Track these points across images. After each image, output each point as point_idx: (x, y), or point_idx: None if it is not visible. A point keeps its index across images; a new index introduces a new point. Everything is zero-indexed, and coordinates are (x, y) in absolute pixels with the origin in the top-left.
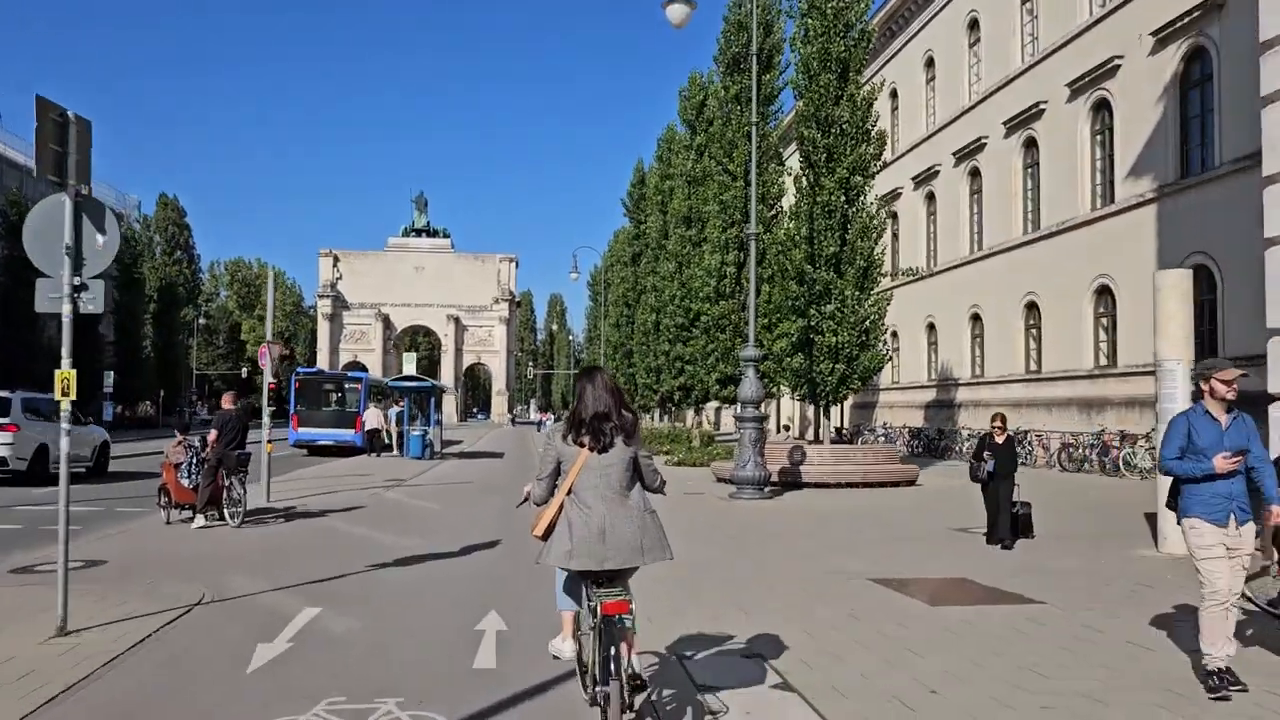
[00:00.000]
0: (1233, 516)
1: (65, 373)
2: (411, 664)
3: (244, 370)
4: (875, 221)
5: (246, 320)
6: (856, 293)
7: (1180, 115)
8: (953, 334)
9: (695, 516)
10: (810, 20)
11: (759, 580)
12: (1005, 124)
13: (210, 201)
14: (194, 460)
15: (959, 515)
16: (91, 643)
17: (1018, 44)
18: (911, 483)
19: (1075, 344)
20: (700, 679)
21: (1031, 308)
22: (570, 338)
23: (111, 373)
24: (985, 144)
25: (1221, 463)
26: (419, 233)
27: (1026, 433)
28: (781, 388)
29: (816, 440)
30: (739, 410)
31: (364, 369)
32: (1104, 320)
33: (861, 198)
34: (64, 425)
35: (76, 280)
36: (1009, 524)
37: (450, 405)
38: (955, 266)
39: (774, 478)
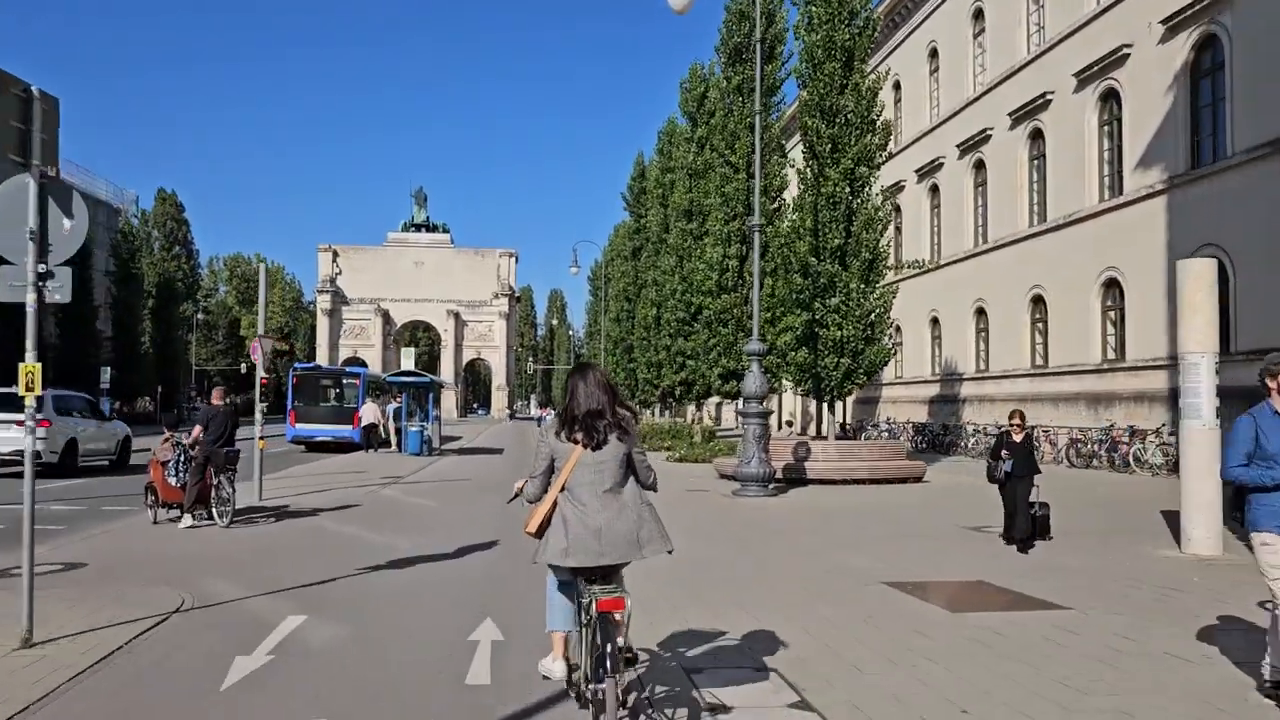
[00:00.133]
0: None
1: (29, 366)
2: (399, 680)
3: (243, 366)
4: (880, 213)
5: (246, 316)
6: (862, 286)
7: (1191, 104)
8: (957, 328)
9: (698, 514)
10: (814, 7)
11: (766, 583)
12: (1011, 115)
13: (209, 197)
14: (181, 458)
15: (969, 513)
16: (57, 655)
17: (1023, 34)
18: (918, 479)
19: (1082, 338)
20: (710, 698)
21: (1037, 301)
22: (570, 333)
23: (109, 368)
24: (990, 136)
25: None
26: (418, 228)
27: (1034, 428)
28: (785, 382)
29: (819, 436)
30: (743, 406)
31: (363, 364)
32: (1112, 314)
33: (866, 189)
34: (29, 421)
35: (42, 268)
36: (1027, 525)
37: (450, 401)
38: (959, 260)
39: (778, 474)
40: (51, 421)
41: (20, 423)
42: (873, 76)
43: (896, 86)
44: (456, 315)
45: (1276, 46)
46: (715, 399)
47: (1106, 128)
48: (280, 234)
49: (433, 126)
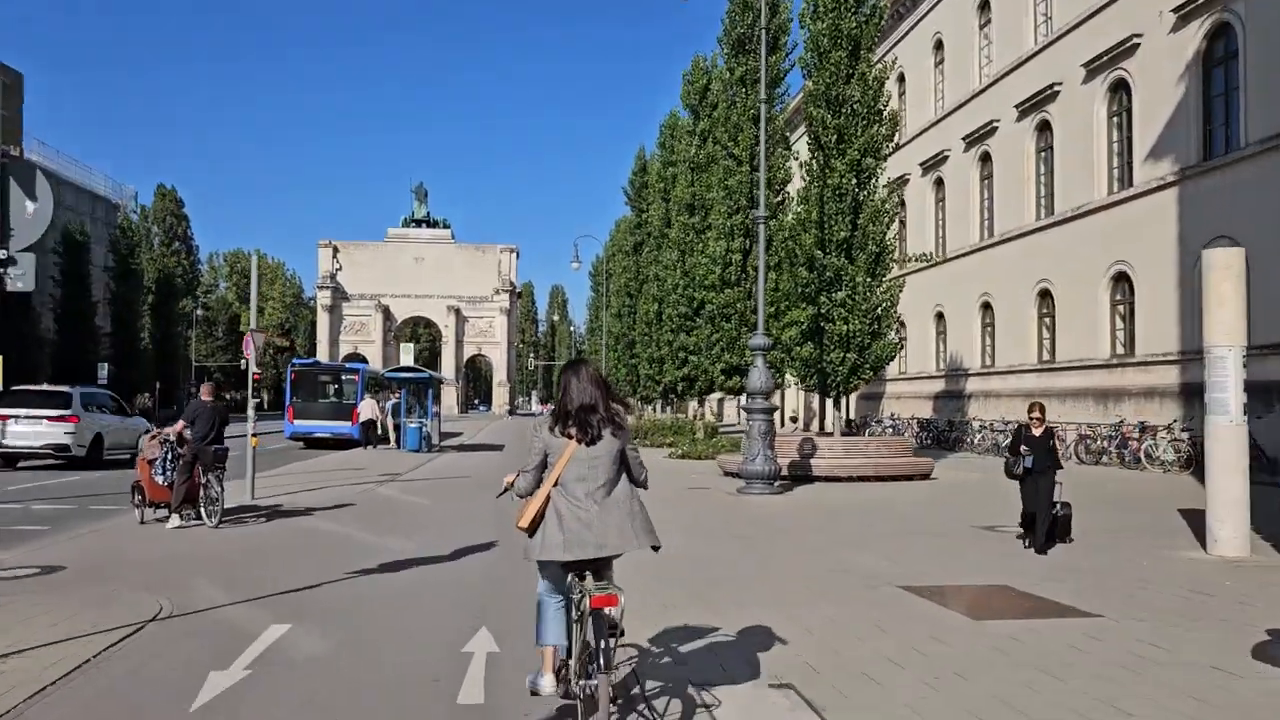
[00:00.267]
0: None
1: None
2: (385, 700)
3: (243, 362)
4: (887, 205)
5: (246, 312)
6: (868, 279)
7: (1203, 94)
8: (962, 323)
9: (703, 513)
10: None
11: (775, 587)
12: (1018, 107)
13: (210, 194)
14: (169, 456)
15: (980, 511)
16: (20, 670)
17: (1030, 24)
18: (926, 476)
19: (1091, 332)
20: (721, 715)
21: (1045, 295)
22: (571, 329)
23: (107, 364)
24: (996, 128)
25: None
26: (419, 223)
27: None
28: (789, 378)
29: (822, 432)
30: (747, 402)
31: (364, 360)
32: (1121, 308)
33: (873, 180)
34: None
35: (2, 254)
36: (1047, 527)
37: (451, 397)
38: (965, 254)
39: (783, 471)
40: (80, 417)
41: (51, 419)
42: (879, 66)
43: (901, 79)
44: (457, 311)
45: None
46: (717, 395)
47: (1116, 119)
48: (281, 230)
49: (433, 122)
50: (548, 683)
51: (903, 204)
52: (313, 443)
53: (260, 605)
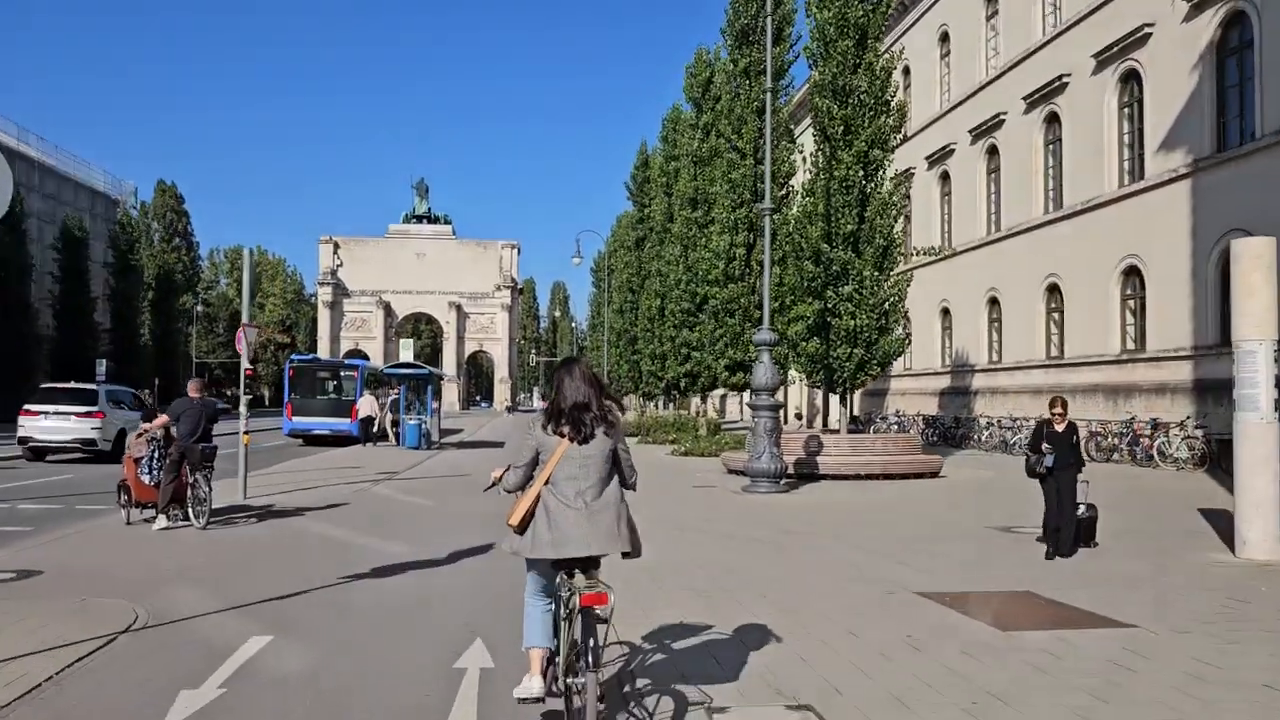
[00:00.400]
0: None
1: None
2: None
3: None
4: (895, 197)
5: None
6: (875, 273)
7: (1217, 84)
8: (968, 319)
9: (708, 513)
10: None
11: (788, 595)
12: (1025, 99)
13: (211, 191)
14: (155, 454)
15: (994, 511)
16: None
17: (1039, 14)
18: (935, 475)
19: (1101, 328)
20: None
21: (1053, 290)
22: (573, 325)
23: (105, 360)
24: (1004, 120)
25: None
26: (420, 219)
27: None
28: (793, 374)
29: (826, 429)
30: (753, 398)
31: (365, 357)
32: (1131, 303)
33: (880, 172)
34: None
35: None
36: (1071, 528)
37: (452, 393)
38: (971, 249)
39: (789, 469)
40: (105, 413)
41: (78, 415)
42: (886, 56)
43: (906, 72)
44: (458, 307)
45: None
46: (720, 391)
47: (1126, 110)
48: (282, 227)
49: (435, 118)
50: (535, 685)
51: (908, 198)
52: (311, 440)
53: (242, 614)
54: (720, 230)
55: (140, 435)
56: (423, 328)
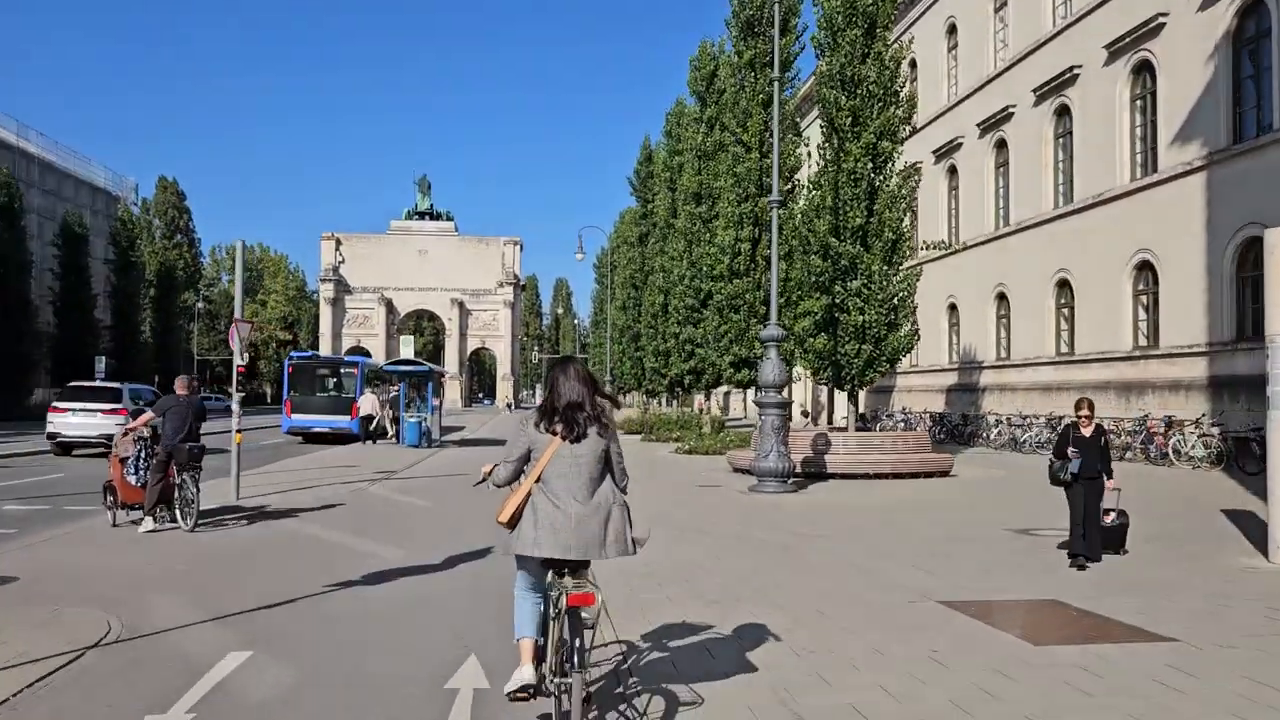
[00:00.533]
0: None
1: None
2: None
3: (245, 356)
4: (904, 190)
5: (249, 305)
6: (884, 268)
7: (1233, 75)
8: (976, 314)
9: (714, 514)
10: None
11: (804, 603)
12: (1035, 91)
13: (212, 187)
14: (142, 454)
15: (1010, 512)
16: None
17: (1049, 5)
18: (945, 474)
19: (1112, 323)
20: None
21: (1063, 285)
22: (576, 322)
23: (104, 357)
24: (1013, 113)
25: None
26: (422, 215)
27: (1062, 418)
28: (799, 370)
29: (831, 426)
30: (760, 395)
31: (367, 354)
32: (1144, 298)
33: (889, 165)
34: None
35: None
36: (1098, 537)
37: (455, 390)
38: (979, 244)
39: (796, 468)
40: (129, 410)
41: (104, 412)
42: (895, 45)
43: (913, 65)
44: (461, 304)
45: None
46: (724, 388)
47: (1139, 102)
48: (284, 223)
49: (436, 114)
50: (526, 673)
51: (916, 191)
52: (311, 437)
53: (222, 626)
54: (725, 225)
55: (127, 434)
56: (425, 325)
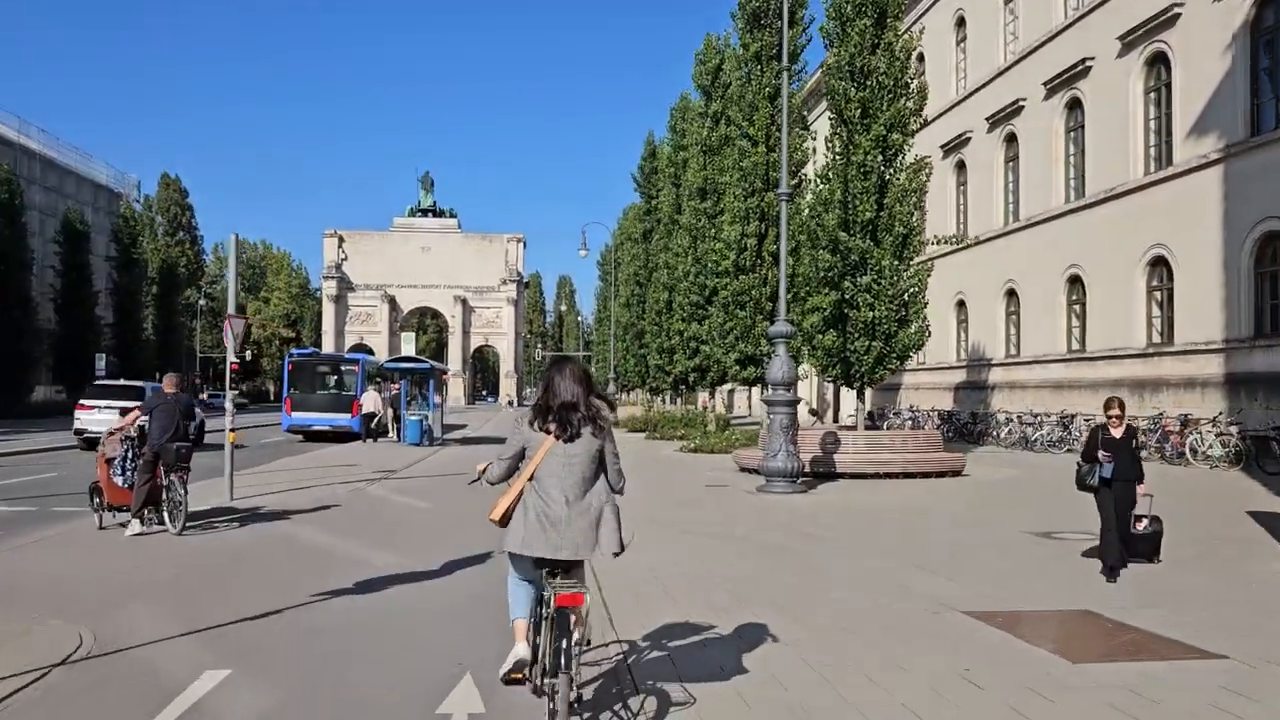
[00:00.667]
0: None
1: None
2: None
3: (248, 354)
4: (915, 184)
5: (252, 303)
6: (895, 263)
7: (1251, 66)
8: (985, 311)
9: (723, 515)
10: None
11: (821, 614)
12: (1046, 84)
13: (215, 184)
14: (129, 454)
15: (1028, 514)
16: None
17: None
18: (957, 473)
19: (1125, 320)
20: None
21: (1074, 282)
22: (580, 319)
23: (104, 355)
24: (1023, 107)
25: None
26: (425, 213)
27: (1074, 416)
28: (804, 367)
29: (838, 424)
30: (768, 393)
31: (370, 351)
32: (1158, 294)
33: (900, 157)
34: None
35: None
36: (1124, 546)
37: (458, 388)
38: (988, 239)
39: (805, 468)
40: None
41: (124, 410)
42: (906, 35)
43: (920, 58)
44: (464, 301)
45: None
46: (728, 385)
47: (1153, 94)
48: (287, 221)
49: (440, 111)
50: (520, 650)
51: (927, 184)
52: (311, 436)
53: (201, 640)
54: (731, 220)
55: (114, 433)
56: (428, 322)
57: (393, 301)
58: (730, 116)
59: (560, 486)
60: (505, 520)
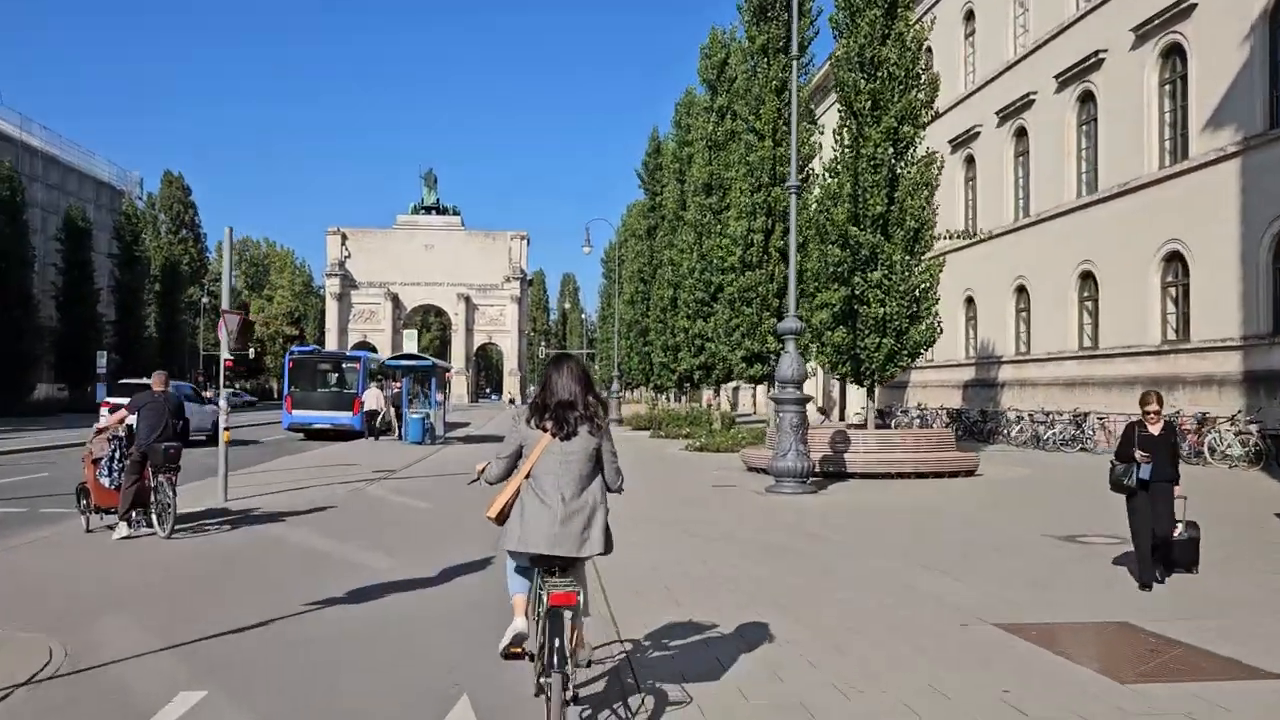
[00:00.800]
0: None
1: None
2: None
3: (251, 351)
4: (927, 177)
5: (255, 300)
6: (906, 258)
7: (1269, 57)
8: (994, 308)
9: (731, 517)
10: None
11: (840, 625)
12: (1057, 78)
13: (218, 182)
14: (116, 455)
15: (1048, 516)
16: None
17: None
18: (970, 473)
19: (1139, 317)
20: None
21: (1086, 277)
22: (583, 316)
23: (106, 353)
24: (1033, 100)
25: None
26: (428, 210)
27: (1086, 414)
28: (811, 365)
29: (846, 423)
30: (777, 391)
31: (373, 349)
32: (1173, 290)
33: (911, 150)
34: None
35: None
36: (1168, 556)
37: (461, 386)
38: (997, 235)
39: (815, 467)
40: None
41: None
42: (917, 26)
43: (928, 51)
44: (467, 299)
45: None
46: (733, 383)
47: (1168, 87)
48: (290, 219)
49: (443, 108)
50: (519, 623)
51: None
52: (313, 434)
53: (178, 656)
54: (737, 215)
55: (100, 433)
56: (431, 320)
57: (396, 299)
58: (736, 111)
59: (557, 484)
60: (502, 518)
